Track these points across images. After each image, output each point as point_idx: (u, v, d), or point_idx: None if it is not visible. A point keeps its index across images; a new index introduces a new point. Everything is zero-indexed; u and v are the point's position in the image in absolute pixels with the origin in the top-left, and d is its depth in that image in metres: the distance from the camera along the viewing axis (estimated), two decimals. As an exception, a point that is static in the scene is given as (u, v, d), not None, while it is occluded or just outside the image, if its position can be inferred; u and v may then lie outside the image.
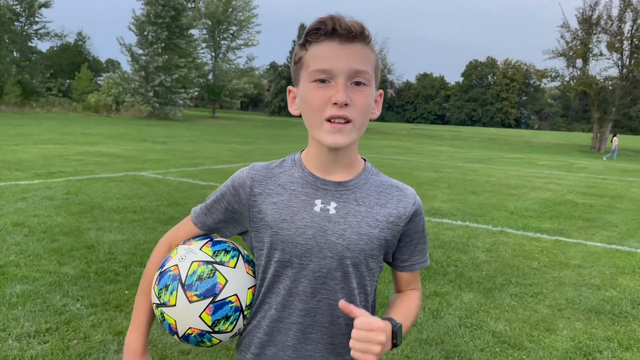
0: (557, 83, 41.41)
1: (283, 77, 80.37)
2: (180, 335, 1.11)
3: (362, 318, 0.97)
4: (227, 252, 1.15)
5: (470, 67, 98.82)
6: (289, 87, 1.14)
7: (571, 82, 38.09)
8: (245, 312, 1.13)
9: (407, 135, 42.69)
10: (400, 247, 1.18)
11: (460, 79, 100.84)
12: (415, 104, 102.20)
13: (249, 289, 1.14)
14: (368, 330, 0.96)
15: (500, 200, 9.39)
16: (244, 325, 1.15)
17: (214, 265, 1.11)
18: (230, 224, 1.19)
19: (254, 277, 1.16)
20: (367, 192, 1.13)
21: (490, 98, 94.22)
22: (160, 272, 1.14)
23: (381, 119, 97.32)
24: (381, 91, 1.14)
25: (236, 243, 1.21)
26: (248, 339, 1.16)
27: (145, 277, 1.22)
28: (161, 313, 1.12)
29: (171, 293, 1.09)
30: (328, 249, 1.08)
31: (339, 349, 1.12)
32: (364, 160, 1.19)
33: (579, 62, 37.87)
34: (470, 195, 9.81)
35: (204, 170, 11.29)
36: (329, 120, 1.03)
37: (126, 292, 3.83)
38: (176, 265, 1.12)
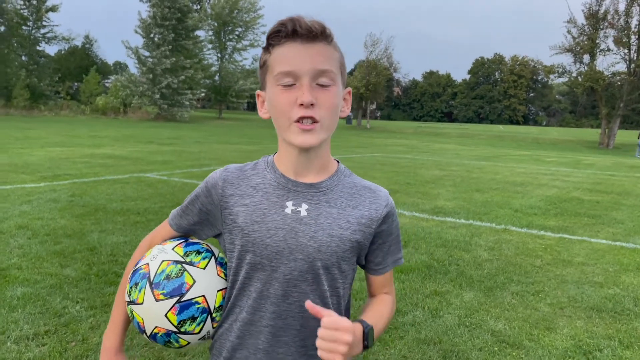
0: (564, 79, 41.12)
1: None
2: (148, 334, 1.12)
3: (329, 317, 0.97)
4: (199, 253, 1.15)
5: (477, 64, 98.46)
6: (258, 92, 1.14)
7: (579, 77, 37.78)
8: (214, 315, 1.13)
9: (414, 134, 42.59)
10: (373, 250, 1.17)
11: (467, 76, 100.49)
12: (422, 102, 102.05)
13: (218, 291, 1.13)
14: (334, 330, 0.95)
15: (505, 198, 9.34)
16: (213, 327, 1.15)
17: (183, 265, 1.11)
18: (205, 226, 1.19)
19: (226, 279, 1.16)
20: (339, 194, 1.13)
21: (498, 95, 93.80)
22: (133, 271, 1.15)
23: (387, 117, 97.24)
24: (349, 89, 1.14)
25: (211, 245, 1.21)
26: (220, 342, 1.16)
27: (124, 276, 1.23)
28: (131, 311, 1.13)
29: (140, 291, 1.10)
30: (299, 251, 1.07)
31: (310, 351, 1.11)
32: (337, 162, 1.19)
33: (586, 58, 37.56)
34: (475, 193, 9.77)
35: (209, 171, 11.33)
36: (297, 121, 1.02)
37: (126, 293, 3.85)
38: (147, 263, 1.13)
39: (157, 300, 1.08)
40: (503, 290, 4.38)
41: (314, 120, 1.02)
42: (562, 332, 3.57)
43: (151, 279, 1.10)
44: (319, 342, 0.96)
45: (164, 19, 39.86)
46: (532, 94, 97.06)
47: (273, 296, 1.09)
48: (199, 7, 49.38)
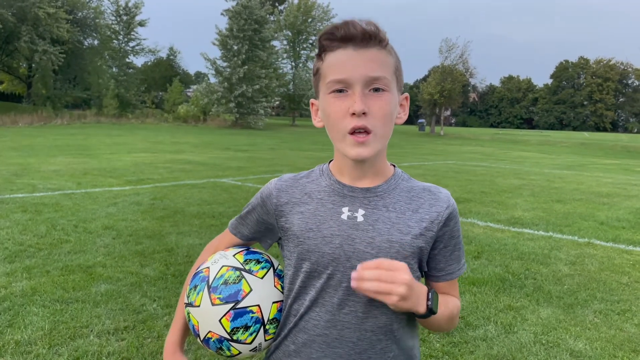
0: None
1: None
2: (201, 338, 1.12)
3: (384, 259, 0.95)
4: (258, 262, 1.15)
5: (560, 68, 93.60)
6: (312, 100, 1.14)
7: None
8: (267, 326, 1.12)
9: (490, 141, 41.12)
10: (434, 255, 1.11)
11: (549, 81, 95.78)
12: (499, 108, 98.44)
13: (274, 302, 1.12)
14: (391, 270, 0.93)
15: (589, 209, 8.77)
16: (265, 340, 1.13)
17: (242, 272, 1.12)
18: (266, 234, 1.20)
19: (283, 292, 1.15)
20: (397, 198, 1.09)
21: (582, 100, 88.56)
22: (195, 273, 1.17)
23: (462, 123, 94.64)
24: (406, 95, 1.10)
25: (271, 257, 1.21)
26: (276, 348, 1.15)
27: (187, 279, 1.25)
28: (188, 313, 1.14)
29: (198, 293, 1.11)
30: (356, 258, 1.04)
31: None
32: (394, 166, 1.15)
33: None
34: (555, 204, 9.26)
35: (281, 177, 11.55)
36: (351, 133, 1.01)
37: (199, 294, 3.99)
38: (208, 267, 1.15)
39: (213, 304, 1.09)
40: (585, 307, 4.11)
41: (367, 131, 1.00)
42: (652, 356, 3.29)
43: (210, 282, 1.11)
44: (375, 285, 0.93)
45: (240, 31, 41.23)
46: (621, 99, 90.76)
47: (328, 304, 1.07)
48: (274, 18, 50.64)
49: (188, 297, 1.15)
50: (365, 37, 0.99)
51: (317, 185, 1.13)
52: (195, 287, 1.13)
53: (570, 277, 4.87)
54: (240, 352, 1.12)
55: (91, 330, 3.28)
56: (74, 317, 3.46)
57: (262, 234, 1.21)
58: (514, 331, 3.59)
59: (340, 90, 1.01)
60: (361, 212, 1.07)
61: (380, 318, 1.07)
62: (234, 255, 1.16)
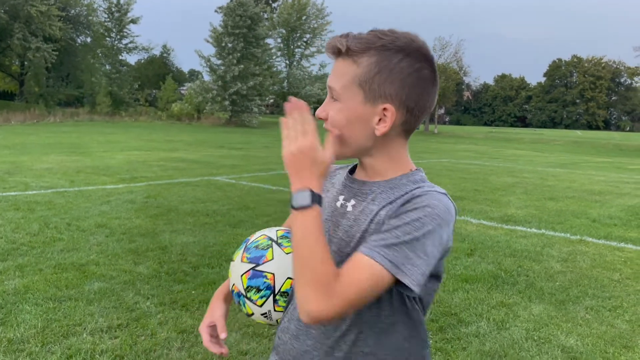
0: (651, 81, 38.35)
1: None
2: (230, 288, 1.31)
3: (311, 123, 1.01)
4: (291, 241, 1.27)
5: (553, 67, 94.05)
6: None
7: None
8: (277, 297, 1.23)
9: (484, 139, 41.23)
10: None
11: (542, 79, 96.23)
12: (493, 106, 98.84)
13: (289, 278, 1.24)
14: (303, 130, 1.00)
15: (581, 207, 8.84)
16: (275, 310, 1.24)
17: (273, 243, 1.29)
18: None
19: None
20: (392, 197, 1.07)
21: (573, 98, 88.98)
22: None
23: (456, 122, 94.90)
24: (386, 106, 1.03)
25: None
26: (280, 323, 1.24)
27: None
28: (230, 266, 1.34)
29: (238, 251, 1.33)
30: (335, 244, 1.09)
31: (336, 352, 1.08)
32: (417, 170, 1.12)
33: (676, 58, 34.88)
34: (548, 201, 9.32)
35: (275, 175, 11.55)
36: None
37: (193, 292, 4.00)
38: (254, 233, 1.36)
39: (242, 261, 1.28)
40: (576, 304, 4.15)
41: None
42: (642, 352, 3.33)
43: (247, 244, 1.32)
44: (291, 126, 1.01)
45: (234, 28, 41.07)
46: (614, 98, 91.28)
47: None
48: (268, 16, 50.42)
49: (234, 254, 1.35)
50: (331, 51, 1.08)
51: (341, 176, 1.22)
52: (239, 247, 1.34)
53: (562, 274, 4.91)
54: (253, 313, 1.26)
55: (84, 328, 3.27)
56: (67, 315, 3.45)
57: None
58: (506, 327, 3.62)
59: None
60: (352, 202, 1.12)
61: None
62: (276, 230, 1.34)
